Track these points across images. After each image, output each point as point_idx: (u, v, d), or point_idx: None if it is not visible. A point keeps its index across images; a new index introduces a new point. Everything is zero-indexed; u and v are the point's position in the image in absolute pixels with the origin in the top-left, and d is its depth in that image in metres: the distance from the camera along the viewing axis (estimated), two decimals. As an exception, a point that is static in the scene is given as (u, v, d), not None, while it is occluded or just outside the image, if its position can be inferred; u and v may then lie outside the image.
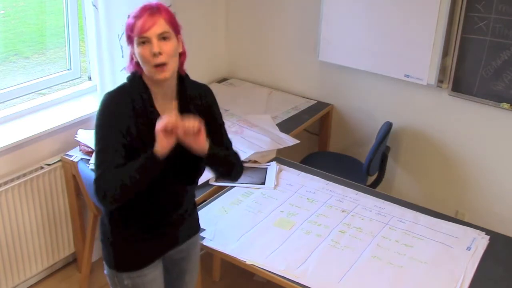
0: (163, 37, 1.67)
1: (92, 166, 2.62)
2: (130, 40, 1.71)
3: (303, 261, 2.07)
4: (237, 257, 2.10)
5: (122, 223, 1.86)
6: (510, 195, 3.09)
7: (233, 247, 2.15)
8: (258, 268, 2.05)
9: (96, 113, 1.76)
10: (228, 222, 2.31)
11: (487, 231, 2.31)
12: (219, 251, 2.15)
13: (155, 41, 1.65)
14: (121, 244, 1.88)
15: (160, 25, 1.66)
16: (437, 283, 2.01)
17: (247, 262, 2.07)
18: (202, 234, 2.20)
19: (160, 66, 1.67)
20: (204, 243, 2.17)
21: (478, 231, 2.31)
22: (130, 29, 1.68)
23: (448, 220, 2.39)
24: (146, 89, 1.75)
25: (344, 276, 2.01)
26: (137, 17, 1.67)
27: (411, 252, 2.16)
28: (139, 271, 1.88)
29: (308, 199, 2.48)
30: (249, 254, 2.11)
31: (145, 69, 1.70)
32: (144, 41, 1.66)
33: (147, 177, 1.69)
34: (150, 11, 1.67)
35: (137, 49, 1.68)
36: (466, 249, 2.19)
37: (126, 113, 1.72)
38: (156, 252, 1.92)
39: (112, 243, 1.88)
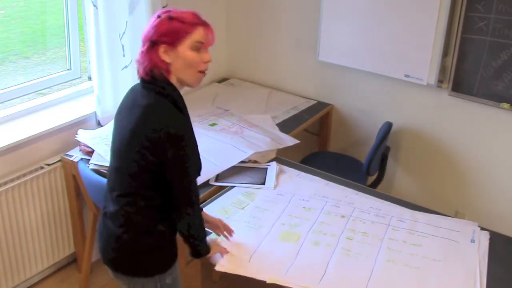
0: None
1: (92, 166, 2.62)
2: (177, 40, 1.73)
3: (323, 274, 2.03)
4: (256, 277, 2.02)
5: (170, 224, 1.89)
6: (510, 195, 3.09)
7: (247, 267, 2.07)
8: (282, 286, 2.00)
9: (172, 131, 1.71)
10: (231, 242, 2.20)
11: (487, 231, 2.31)
12: (235, 274, 2.06)
13: (208, 51, 1.80)
14: (165, 245, 1.89)
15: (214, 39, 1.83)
16: (457, 281, 2.01)
17: (267, 281, 2.00)
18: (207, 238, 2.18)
19: (203, 72, 1.80)
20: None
21: (471, 222, 2.36)
22: (185, 34, 1.73)
23: (444, 215, 2.41)
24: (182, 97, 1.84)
25: (368, 283, 1.99)
26: (197, 24, 1.75)
27: (421, 251, 2.15)
28: (175, 264, 1.94)
29: (304, 207, 2.44)
30: (267, 272, 2.04)
31: (188, 72, 1.78)
32: (200, 48, 1.76)
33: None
34: (206, 23, 1.80)
35: (188, 52, 1.74)
36: (471, 242, 2.20)
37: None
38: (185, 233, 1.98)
39: (159, 248, 1.87)
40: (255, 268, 2.06)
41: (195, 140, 1.87)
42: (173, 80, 1.79)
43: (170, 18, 1.73)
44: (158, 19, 1.75)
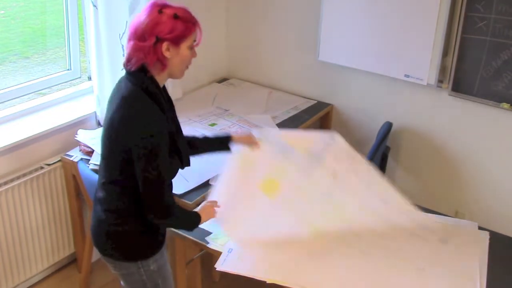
0: None
1: (92, 166, 2.63)
2: (180, 40, 1.77)
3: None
4: (255, 277, 2.02)
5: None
6: (510, 195, 3.09)
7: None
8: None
9: (139, 126, 1.74)
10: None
11: (488, 231, 2.31)
12: (236, 274, 2.07)
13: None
14: (147, 231, 1.92)
15: None
16: (457, 280, 2.00)
17: (267, 282, 2.01)
18: (207, 238, 2.20)
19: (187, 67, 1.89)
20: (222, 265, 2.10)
21: (471, 222, 2.34)
22: (188, 34, 1.78)
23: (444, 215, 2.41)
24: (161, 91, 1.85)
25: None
26: (197, 24, 1.82)
27: (415, 253, 2.15)
28: (161, 251, 1.98)
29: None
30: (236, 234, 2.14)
31: (180, 67, 1.84)
32: (192, 47, 1.83)
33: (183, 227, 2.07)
34: (198, 21, 1.85)
35: (185, 51, 1.80)
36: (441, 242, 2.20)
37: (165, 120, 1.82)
38: (164, 228, 2.02)
39: (140, 233, 1.90)
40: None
41: (176, 137, 1.89)
42: (163, 74, 1.83)
43: (176, 17, 1.75)
44: (162, 15, 1.75)
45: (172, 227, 2.06)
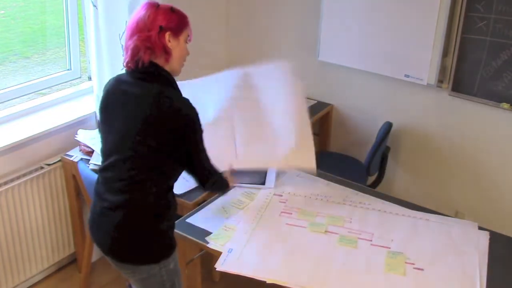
0: None
1: (92, 166, 2.63)
2: (179, 31, 1.87)
3: None
4: (255, 277, 2.02)
5: (173, 209, 1.96)
6: (510, 195, 3.09)
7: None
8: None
9: (191, 115, 1.84)
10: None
11: (488, 231, 2.31)
12: (235, 274, 2.07)
13: None
14: (167, 229, 1.94)
15: None
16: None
17: (267, 282, 2.00)
18: (207, 238, 2.20)
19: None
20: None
21: (471, 222, 2.34)
22: (185, 26, 1.89)
23: (444, 215, 2.40)
24: None
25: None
26: (188, 20, 1.92)
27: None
28: (177, 249, 1.99)
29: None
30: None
31: (180, 62, 1.91)
32: (187, 42, 1.94)
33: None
34: None
35: (183, 44, 1.90)
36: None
37: None
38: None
39: (162, 232, 1.92)
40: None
41: None
42: (166, 68, 1.88)
43: (172, 10, 1.86)
44: (159, 9, 1.84)
45: (218, 188, 2.18)
